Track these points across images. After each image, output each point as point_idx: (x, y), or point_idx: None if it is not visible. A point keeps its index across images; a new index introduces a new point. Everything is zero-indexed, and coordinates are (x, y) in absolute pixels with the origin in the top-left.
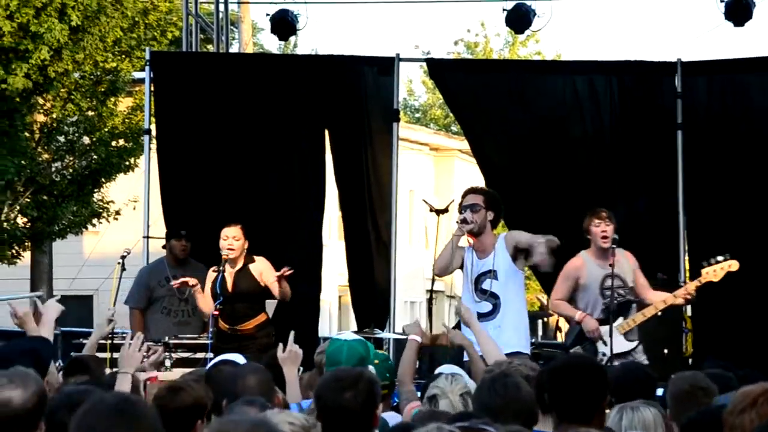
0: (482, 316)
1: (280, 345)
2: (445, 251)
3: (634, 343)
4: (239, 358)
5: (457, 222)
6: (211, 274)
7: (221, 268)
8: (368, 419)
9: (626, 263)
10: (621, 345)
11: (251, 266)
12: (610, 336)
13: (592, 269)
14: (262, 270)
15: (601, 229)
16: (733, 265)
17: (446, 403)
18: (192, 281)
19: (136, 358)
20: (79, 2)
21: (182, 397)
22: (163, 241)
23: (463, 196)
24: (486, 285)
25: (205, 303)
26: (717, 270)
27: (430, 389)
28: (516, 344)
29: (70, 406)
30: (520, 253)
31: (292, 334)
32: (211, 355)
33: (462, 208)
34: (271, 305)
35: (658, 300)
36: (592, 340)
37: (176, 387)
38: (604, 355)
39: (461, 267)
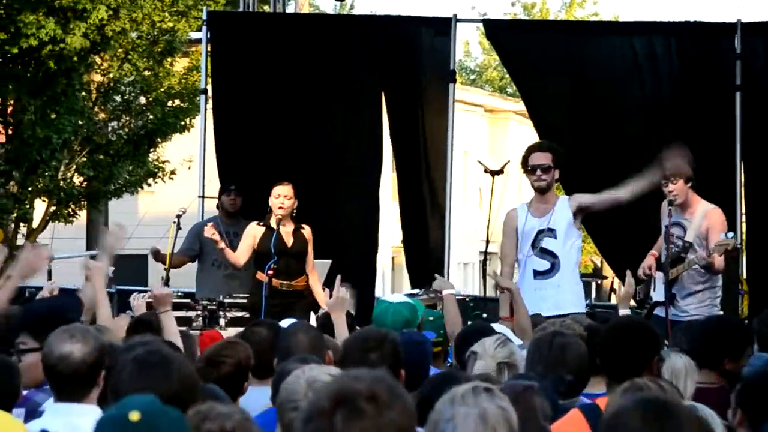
0: (540, 274)
1: (327, 290)
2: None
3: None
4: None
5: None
6: (257, 228)
7: (272, 225)
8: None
9: (699, 218)
10: (659, 294)
11: (302, 231)
12: (666, 283)
13: (663, 217)
14: (309, 239)
15: (669, 189)
16: (729, 244)
17: (482, 365)
18: (212, 233)
19: (167, 296)
20: None
21: (222, 369)
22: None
23: (529, 153)
24: (545, 243)
25: (235, 257)
26: (722, 245)
27: (475, 345)
28: (575, 304)
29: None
30: (579, 213)
31: (338, 278)
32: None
33: (532, 168)
34: (324, 266)
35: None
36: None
37: (214, 360)
38: (650, 299)
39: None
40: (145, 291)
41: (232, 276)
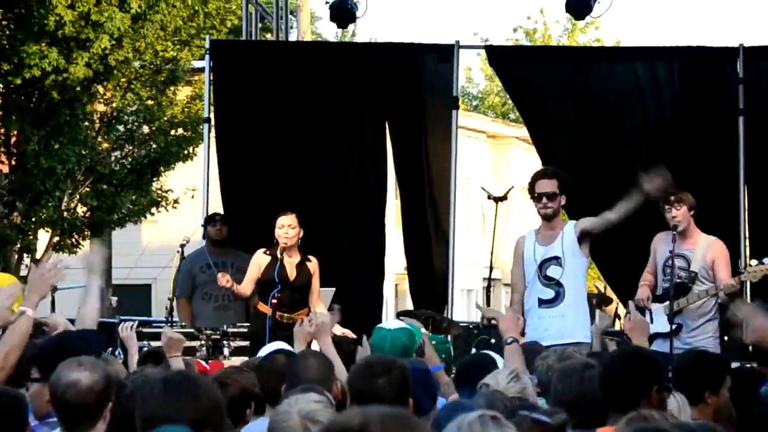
0: (544, 303)
1: (302, 320)
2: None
3: (674, 326)
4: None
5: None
6: (263, 257)
7: (277, 255)
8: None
9: (703, 249)
10: (660, 326)
11: (308, 264)
12: (670, 312)
13: (664, 244)
14: (315, 271)
15: (672, 215)
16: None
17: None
18: (225, 280)
19: (179, 341)
20: None
21: (228, 390)
22: None
23: (535, 180)
24: (550, 272)
25: (242, 290)
26: (757, 271)
27: (488, 378)
28: (579, 334)
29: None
30: (585, 237)
31: (314, 310)
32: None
33: (538, 195)
34: (328, 294)
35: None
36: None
37: (220, 381)
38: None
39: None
40: (131, 319)
41: (224, 308)
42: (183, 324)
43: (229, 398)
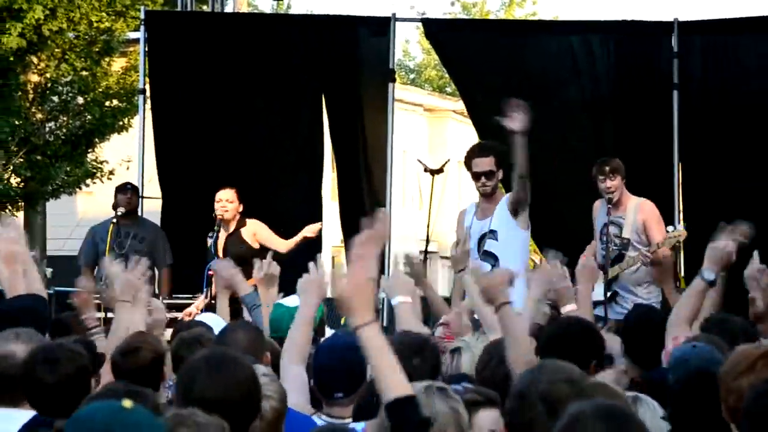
0: None
1: (257, 263)
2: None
3: (608, 294)
4: (214, 320)
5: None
6: (208, 240)
7: (215, 229)
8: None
9: (632, 213)
10: (599, 295)
11: (243, 230)
12: (605, 282)
13: (600, 215)
14: (255, 231)
15: (606, 185)
16: (682, 234)
17: (469, 357)
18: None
19: (135, 286)
20: None
21: (143, 354)
22: (158, 201)
23: (471, 157)
24: (487, 246)
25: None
26: (671, 237)
27: (457, 341)
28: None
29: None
30: (519, 207)
31: (269, 255)
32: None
33: (475, 174)
34: None
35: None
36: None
37: (134, 347)
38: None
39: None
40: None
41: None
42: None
43: (148, 361)
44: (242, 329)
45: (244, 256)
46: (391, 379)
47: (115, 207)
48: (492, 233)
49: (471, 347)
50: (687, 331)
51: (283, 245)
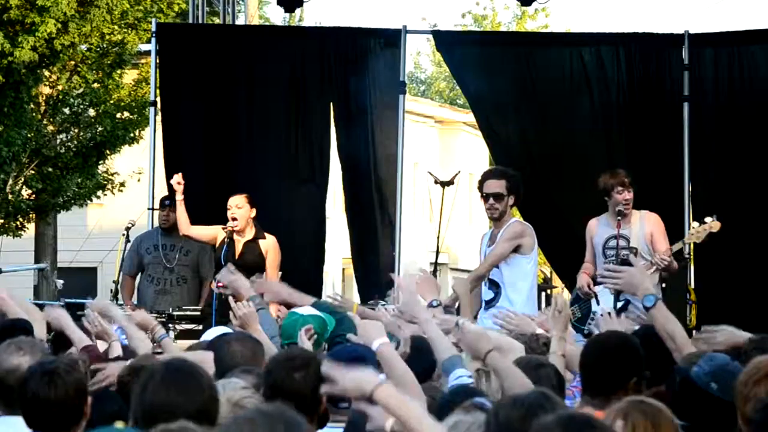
0: (486, 303)
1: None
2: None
3: (621, 303)
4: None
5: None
6: (220, 232)
7: (231, 235)
8: (315, 403)
9: (638, 224)
10: (607, 306)
11: (261, 241)
12: (615, 293)
13: (601, 230)
14: (269, 249)
15: (625, 196)
16: (714, 226)
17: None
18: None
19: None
20: None
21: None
22: None
23: (483, 180)
24: (491, 274)
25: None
26: (700, 232)
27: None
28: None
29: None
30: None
31: (244, 301)
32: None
33: (485, 196)
34: None
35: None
36: (584, 297)
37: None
38: (594, 314)
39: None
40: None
41: (163, 292)
42: (121, 303)
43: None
44: (239, 342)
45: (261, 267)
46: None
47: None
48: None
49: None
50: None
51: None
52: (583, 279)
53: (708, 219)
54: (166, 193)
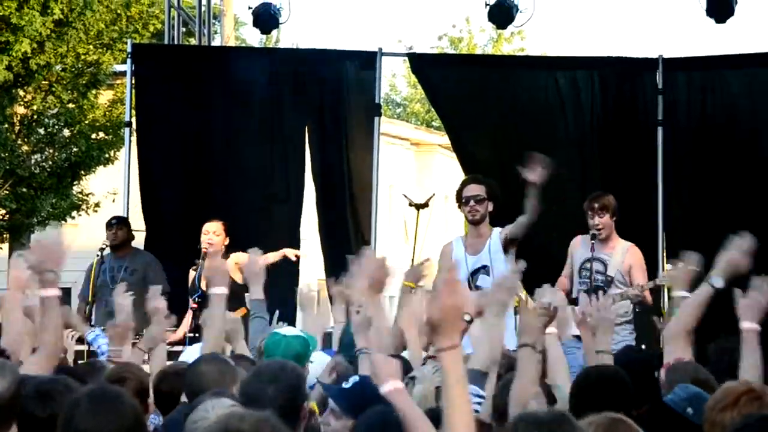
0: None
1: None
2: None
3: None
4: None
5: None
6: (191, 273)
7: (200, 262)
8: (294, 414)
9: (620, 255)
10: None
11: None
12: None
13: (582, 248)
14: (237, 260)
15: (595, 222)
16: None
17: (419, 389)
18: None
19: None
20: None
21: (130, 384)
22: (143, 234)
23: (464, 186)
24: (480, 281)
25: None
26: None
27: (414, 371)
28: (509, 343)
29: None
30: (510, 245)
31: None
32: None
33: (465, 199)
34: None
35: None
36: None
37: (120, 377)
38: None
39: None
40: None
41: (110, 314)
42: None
43: (132, 391)
44: (211, 364)
45: (231, 290)
46: (459, 411)
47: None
48: (484, 269)
49: (426, 379)
50: (687, 347)
51: (239, 260)
52: (552, 293)
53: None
54: (141, 215)
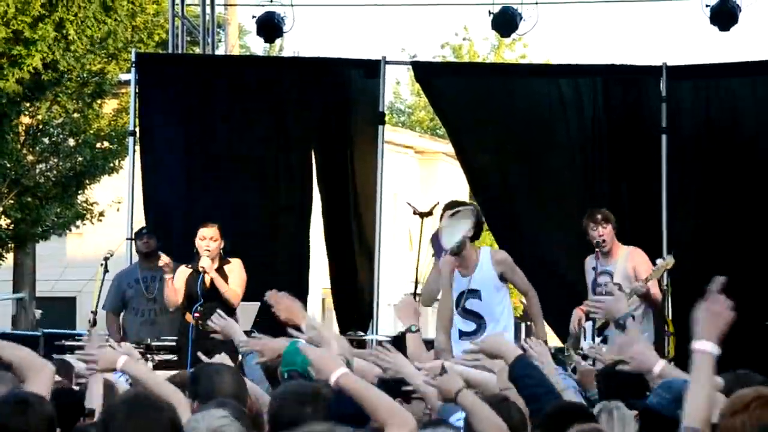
0: (465, 335)
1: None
2: (428, 283)
3: (599, 339)
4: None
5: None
6: (185, 271)
7: (198, 268)
8: None
9: (623, 261)
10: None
11: (226, 267)
12: (593, 329)
13: (588, 267)
14: (233, 270)
15: (598, 233)
16: (669, 262)
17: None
18: (165, 261)
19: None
20: (79, 17)
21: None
22: None
23: (444, 211)
24: (469, 304)
25: (172, 293)
26: (657, 270)
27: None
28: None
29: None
30: (503, 278)
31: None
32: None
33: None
34: (253, 308)
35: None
36: (572, 334)
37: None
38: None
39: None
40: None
41: (150, 322)
42: (107, 338)
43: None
44: (225, 373)
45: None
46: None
47: (137, 252)
48: (474, 293)
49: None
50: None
51: (234, 296)
52: (575, 314)
53: (665, 257)
54: (144, 224)
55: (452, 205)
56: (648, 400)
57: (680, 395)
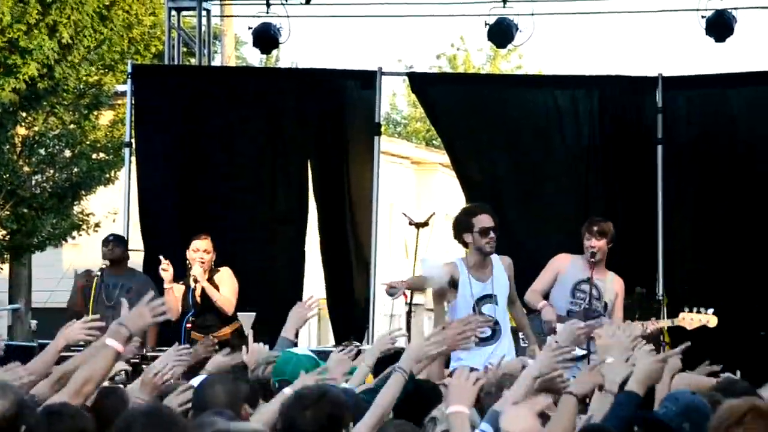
0: (482, 341)
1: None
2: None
3: (583, 352)
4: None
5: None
6: (179, 288)
7: (190, 283)
8: None
9: (611, 284)
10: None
11: (216, 277)
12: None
13: (574, 268)
14: (222, 278)
15: (591, 243)
16: (711, 321)
17: (441, 429)
18: (164, 267)
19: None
20: (72, 20)
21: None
22: (142, 254)
23: (476, 214)
24: (487, 309)
25: (174, 301)
26: (694, 319)
27: (434, 411)
28: None
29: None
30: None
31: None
32: None
33: (484, 230)
34: (249, 318)
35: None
36: (545, 331)
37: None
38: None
39: (454, 286)
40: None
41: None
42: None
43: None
44: (220, 384)
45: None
46: None
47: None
48: (492, 298)
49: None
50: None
51: (227, 303)
52: (549, 314)
53: (708, 312)
54: (139, 234)
55: (482, 208)
56: (654, 411)
57: (686, 407)
